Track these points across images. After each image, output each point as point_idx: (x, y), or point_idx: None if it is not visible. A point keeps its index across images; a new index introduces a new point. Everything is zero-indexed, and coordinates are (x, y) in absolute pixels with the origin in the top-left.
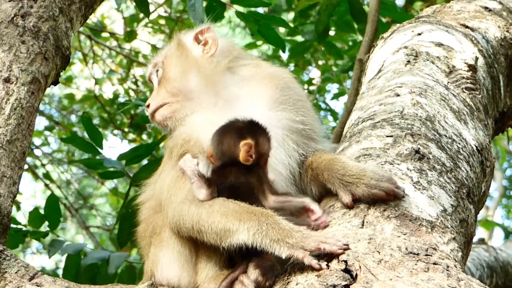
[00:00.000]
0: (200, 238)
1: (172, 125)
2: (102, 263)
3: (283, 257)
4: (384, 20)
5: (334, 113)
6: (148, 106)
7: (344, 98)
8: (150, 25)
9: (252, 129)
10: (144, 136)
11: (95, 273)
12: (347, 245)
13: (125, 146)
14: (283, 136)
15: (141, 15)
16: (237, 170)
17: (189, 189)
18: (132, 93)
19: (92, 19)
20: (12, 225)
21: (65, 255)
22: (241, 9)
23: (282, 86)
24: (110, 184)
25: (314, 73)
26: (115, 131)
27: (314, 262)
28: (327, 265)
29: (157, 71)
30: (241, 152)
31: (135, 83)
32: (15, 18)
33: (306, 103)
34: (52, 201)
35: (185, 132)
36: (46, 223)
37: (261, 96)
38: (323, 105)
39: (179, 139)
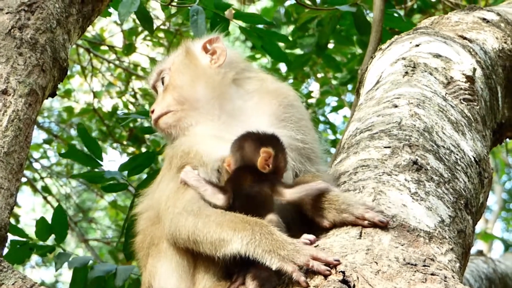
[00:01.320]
0: (196, 248)
1: (176, 134)
2: (109, 276)
3: (274, 269)
4: (388, 30)
5: (333, 126)
6: (152, 111)
7: (343, 111)
8: (149, 38)
9: (273, 142)
10: (143, 149)
11: (102, 286)
12: (338, 260)
13: (125, 160)
14: None
15: (140, 28)
16: (251, 178)
17: (188, 200)
18: (131, 106)
19: (91, 32)
20: (19, 238)
21: (67, 268)
22: (243, 24)
23: (286, 104)
24: (109, 197)
25: (313, 86)
26: (114, 144)
27: (302, 279)
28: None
29: (163, 77)
30: (260, 158)
31: (134, 96)
32: (12, 30)
33: (308, 122)
34: (59, 214)
35: (185, 143)
36: (52, 236)
37: (264, 112)
38: (322, 118)
39: (179, 150)
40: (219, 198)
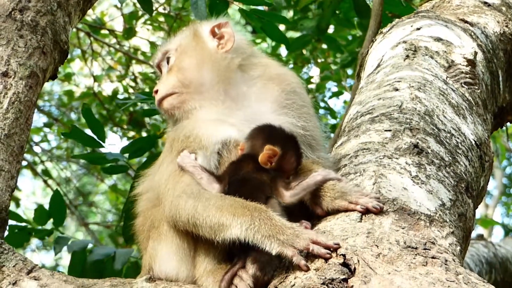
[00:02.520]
0: (195, 232)
1: (179, 116)
2: (108, 260)
3: (273, 254)
4: (388, 14)
5: (332, 112)
6: (156, 92)
7: (343, 97)
8: (149, 22)
9: (285, 142)
10: (143, 133)
11: (101, 269)
12: (338, 244)
13: (125, 143)
14: None
15: (141, 12)
16: (252, 167)
17: (188, 183)
18: (131, 90)
19: (91, 16)
20: (17, 223)
21: (66, 252)
22: (243, 6)
23: (288, 90)
24: (109, 181)
25: (313, 71)
26: (115, 128)
27: (302, 263)
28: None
29: (168, 58)
30: (263, 154)
31: (134, 80)
32: (13, 12)
33: (310, 109)
34: (57, 198)
35: (187, 127)
36: (51, 220)
37: (267, 98)
38: (322, 104)
39: (180, 133)
40: (214, 188)
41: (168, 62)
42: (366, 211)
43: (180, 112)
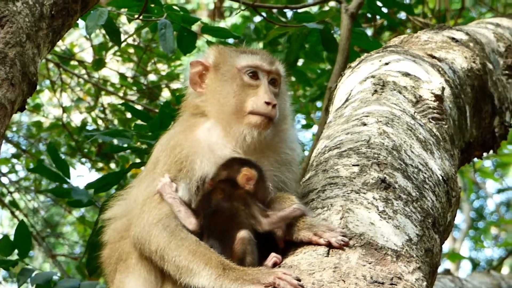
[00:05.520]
0: (160, 264)
1: (266, 134)
2: None
3: None
4: (355, 49)
5: (302, 144)
6: (274, 106)
7: (312, 129)
8: (118, 53)
9: (258, 169)
10: (112, 165)
11: None
12: (299, 280)
13: (93, 175)
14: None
15: (110, 43)
16: (224, 190)
17: (166, 214)
18: (100, 122)
19: (61, 46)
20: None
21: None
22: (211, 39)
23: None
24: (77, 212)
25: None
26: (83, 160)
27: None
28: None
29: (277, 80)
30: (241, 174)
31: (103, 111)
32: None
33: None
34: (22, 229)
35: (186, 148)
36: (16, 251)
37: None
38: None
39: (175, 153)
40: (191, 222)
41: (275, 84)
42: (329, 245)
43: (266, 132)
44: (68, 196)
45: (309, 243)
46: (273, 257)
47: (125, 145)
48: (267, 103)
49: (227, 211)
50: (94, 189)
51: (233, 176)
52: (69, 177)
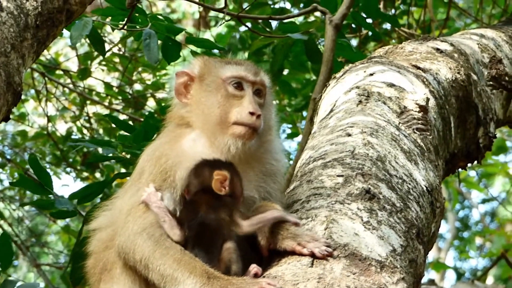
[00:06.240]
0: (144, 273)
1: (249, 145)
2: None
3: None
4: (339, 59)
5: (288, 154)
6: (258, 117)
7: (298, 138)
8: (104, 63)
9: (228, 167)
10: (97, 175)
11: None
12: None
13: (78, 185)
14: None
15: (96, 53)
16: (208, 203)
17: (151, 223)
18: (85, 131)
19: (46, 56)
20: None
21: None
22: (196, 49)
23: None
24: (62, 222)
25: None
26: (68, 169)
27: None
28: None
29: (261, 91)
30: (214, 180)
31: (88, 121)
32: None
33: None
34: (5, 240)
35: (171, 158)
36: None
37: None
38: None
39: (160, 162)
40: (176, 233)
41: (259, 95)
42: (312, 255)
43: (250, 142)
44: (51, 208)
45: (293, 252)
46: (253, 267)
47: (110, 155)
48: (251, 114)
49: (213, 222)
50: (78, 199)
51: (207, 184)
52: (52, 188)
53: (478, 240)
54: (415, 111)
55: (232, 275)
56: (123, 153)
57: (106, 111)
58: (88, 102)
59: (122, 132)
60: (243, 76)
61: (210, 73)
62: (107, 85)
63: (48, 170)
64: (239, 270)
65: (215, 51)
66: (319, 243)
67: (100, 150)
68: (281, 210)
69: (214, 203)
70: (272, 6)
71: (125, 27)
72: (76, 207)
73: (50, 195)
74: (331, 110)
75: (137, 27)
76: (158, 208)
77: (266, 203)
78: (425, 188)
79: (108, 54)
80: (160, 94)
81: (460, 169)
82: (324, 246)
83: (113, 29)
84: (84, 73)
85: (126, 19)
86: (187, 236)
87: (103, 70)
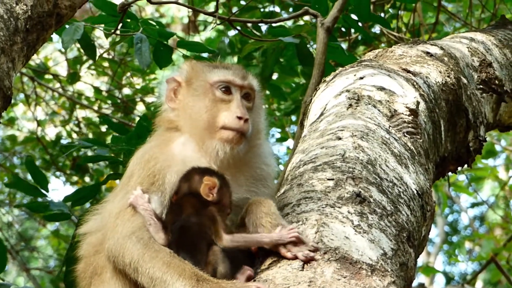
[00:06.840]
0: (134, 276)
1: (238, 149)
2: None
3: None
4: (331, 63)
5: (277, 158)
6: (246, 121)
7: (287, 143)
8: (93, 67)
9: (219, 176)
10: (87, 179)
11: None
12: None
13: (68, 189)
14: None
15: (85, 57)
16: (193, 206)
17: (139, 226)
18: (74, 135)
19: (36, 60)
20: None
21: None
22: (187, 53)
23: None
24: (52, 226)
25: None
26: (58, 173)
27: None
28: None
29: (250, 95)
30: (203, 185)
31: (78, 125)
32: None
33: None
34: None
35: (160, 161)
36: None
37: None
38: None
39: (149, 166)
40: (161, 237)
41: (248, 99)
42: (295, 259)
43: (239, 147)
44: (45, 210)
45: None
46: (246, 270)
47: (105, 155)
48: (239, 118)
49: (194, 226)
50: (71, 201)
51: (195, 188)
52: (47, 191)
53: (468, 244)
54: (405, 115)
55: (219, 276)
56: (114, 154)
57: (95, 116)
58: (77, 106)
59: (114, 134)
60: (230, 80)
61: (198, 78)
62: (97, 90)
63: None
64: (226, 271)
65: (205, 55)
66: (304, 247)
67: (89, 152)
68: (274, 234)
69: (198, 208)
70: (261, 10)
71: (117, 32)
72: (70, 210)
73: (46, 197)
74: (321, 114)
75: (130, 31)
76: (145, 210)
77: (264, 213)
78: (415, 192)
79: (97, 59)
80: (149, 99)
81: (450, 173)
82: (307, 250)
83: (106, 37)
84: (74, 77)
85: (118, 23)
86: (170, 240)
87: (92, 74)
